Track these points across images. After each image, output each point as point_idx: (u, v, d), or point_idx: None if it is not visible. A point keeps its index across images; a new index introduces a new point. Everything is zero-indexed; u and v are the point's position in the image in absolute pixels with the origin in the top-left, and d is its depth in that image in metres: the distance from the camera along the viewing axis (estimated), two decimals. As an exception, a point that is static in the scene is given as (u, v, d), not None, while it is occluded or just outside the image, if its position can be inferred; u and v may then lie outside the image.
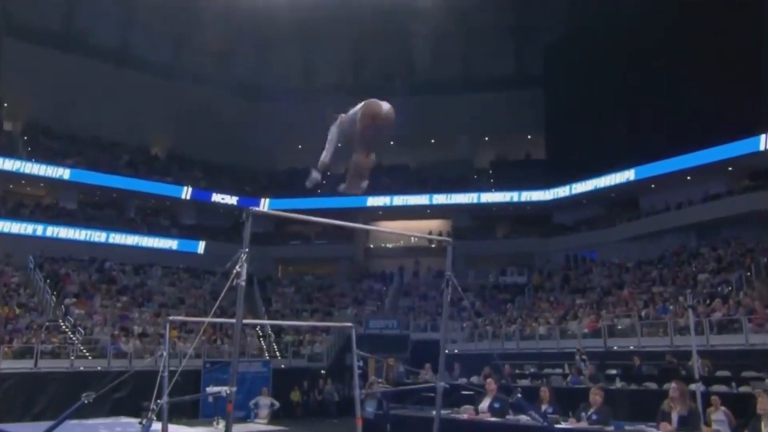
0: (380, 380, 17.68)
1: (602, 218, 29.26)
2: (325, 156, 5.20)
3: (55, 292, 23.25)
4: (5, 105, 29.50)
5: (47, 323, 21.01)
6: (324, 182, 5.46)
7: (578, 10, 30.99)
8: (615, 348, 18.42)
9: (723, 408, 9.09)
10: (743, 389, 11.69)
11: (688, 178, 25.03)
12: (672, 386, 8.28)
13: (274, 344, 24.63)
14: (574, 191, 29.10)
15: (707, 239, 24.21)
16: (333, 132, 5.29)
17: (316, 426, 18.20)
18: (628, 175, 26.72)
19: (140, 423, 7.41)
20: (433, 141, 35.36)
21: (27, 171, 26.68)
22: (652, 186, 26.66)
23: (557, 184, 29.64)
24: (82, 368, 19.21)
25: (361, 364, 13.50)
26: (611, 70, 26.99)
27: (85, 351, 20.13)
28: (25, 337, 19.69)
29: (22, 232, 25.65)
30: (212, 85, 33.59)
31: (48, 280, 23.74)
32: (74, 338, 20.58)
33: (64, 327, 21.32)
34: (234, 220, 30.95)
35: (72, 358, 19.48)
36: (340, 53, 33.83)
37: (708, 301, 17.85)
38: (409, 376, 18.03)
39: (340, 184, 5.25)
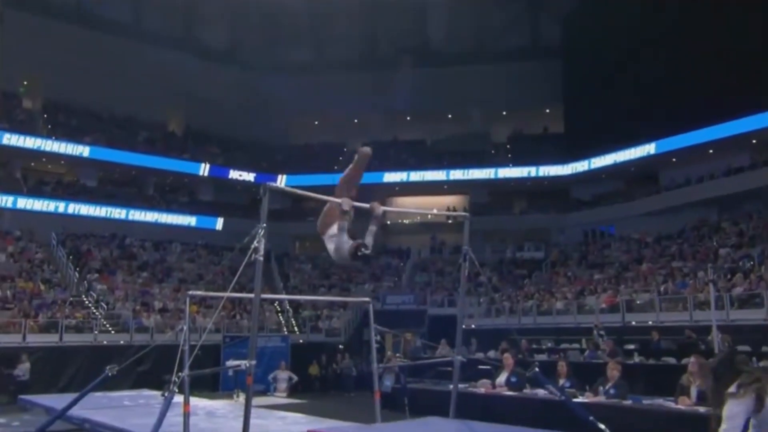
0: (398, 355, 17.86)
1: (621, 193, 28.96)
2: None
3: (77, 268, 23.61)
4: (24, 83, 29.74)
5: (71, 298, 21.40)
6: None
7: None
8: (633, 323, 18.25)
9: (743, 383, 9.01)
10: (764, 363, 11.58)
11: (710, 151, 24.63)
12: (691, 361, 8.27)
13: (292, 319, 24.87)
14: (593, 166, 28.80)
15: (729, 213, 23.86)
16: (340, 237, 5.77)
17: (334, 399, 18.37)
18: (649, 149, 26.36)
19: (162, 395, 7.55)
20: (449, 116, 35.09)
21: (48, 149, 26.92)
22: (673, 160, 26.28)
23: (576, 159, 29.34)
24: (105, 342, 19.56)
25: (378, 338, 13.60)
26: (631, 42, 26.52)
27: (108, 326, 20.46)
28: (50, 312, 20.05)
29: (44, 209, 26.01)
30: (225, 60, 33.54)
31: (71, 256, 24.12)
32: (97, 313, 20.90)
33: (87, 302, 21.69)
34: (251, 196, 31.11)
35: (95, 332, 19.83)
36: (352, 26, 33.41)
37: (729, 276, 17.65)
38: (426, 351, 18.06)
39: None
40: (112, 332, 20.32)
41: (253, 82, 33.61)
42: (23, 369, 16.91)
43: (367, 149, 5.91)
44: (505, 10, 33.00)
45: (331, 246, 5.78)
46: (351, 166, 5.99)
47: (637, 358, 13.49)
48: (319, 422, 9.70)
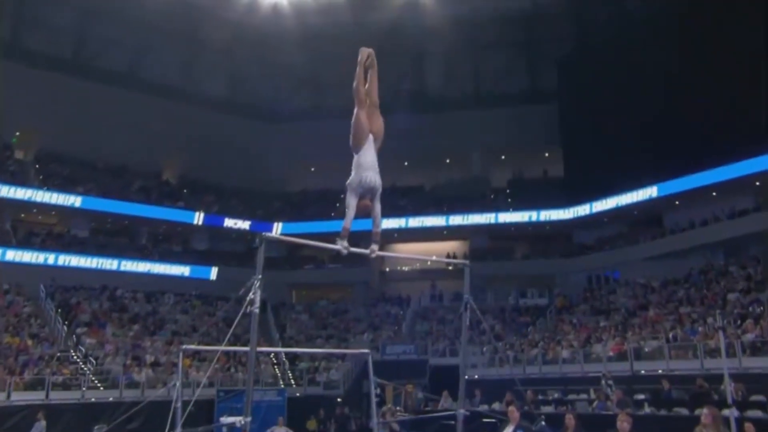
0: (398, 408, 17.14)
1: (625, 237, 28.62)
2: (346, 222, 5.80)
3: (66, 322, 23.04)
4: (17, 133, 29.59)
5: (58, 354, 20.81)
6: (347, 250, 5.97)
7: (589, 23, 30.71)
8: (642, 372, 17.77)
9: (758, 434, 8.52)
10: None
11: (714, 194, 24.40)
12: (704, 412, 7.77)
13: (288, 371, 24.17)
14: (594, 209, 28.49)
15: (735, 257, 23.54)
16: (349, 199, 5.80)
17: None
18: (651, 192, 26.11)
19: None
20: (447, 160, 35.02)
21: (39, 199, 26.61)
22: (677, 203, 26.05)
23: (577, 203, 29.06)
24: (93, 399, 19.01)
25: (378, 391, 13.00)
26: (627, 83, 26.53)
27: (96, 382, 19.90)
28: (36, 368, 19.39)
29: (34, 261, 25.48)
30: (222, 108, 33.60)
31: (59, 310, 23.54)
32: (86, 369, 20.30)
33: (75, 357, 21.11)
34: (247, 244, 30.72)
35: (84, 389, 19.26)
36: (350, 72, 33.40)
37: (739, 322, 17.27)
38: (428, 403, 17.62)
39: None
40: (101, 388, 19.82)
41: (249, 130, 33.59)
42: (40, 427, 16.29)
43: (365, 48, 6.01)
44: (501, 55, 33.29)
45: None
46: (356, 70, 6.02)
47: (647, 409, 13.20)
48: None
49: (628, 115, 26.33)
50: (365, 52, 6.03)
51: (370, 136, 5.89)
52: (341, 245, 5.87)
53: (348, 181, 5.84)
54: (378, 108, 6.03)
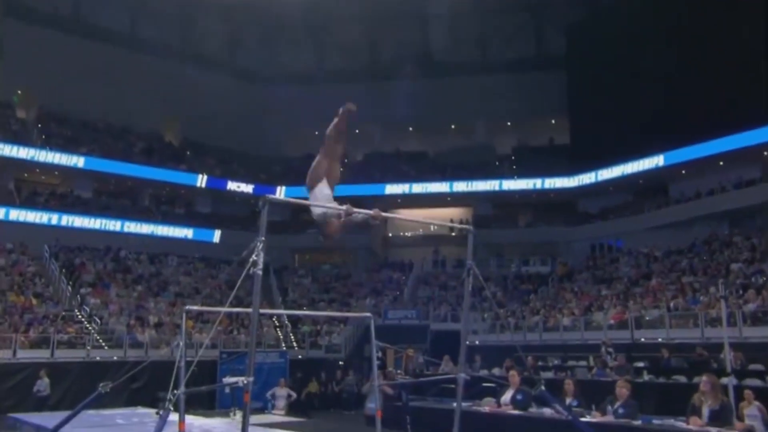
0: (398, 371, 17.29)
1: (629, 206, 28.51)
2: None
3: (70, 282, 23.08)
4: (18, 92, 29.37)
5: (63, 313, 20.92)
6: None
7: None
8: (642, 340, 17.86)
9: (756, 402, 8.64)
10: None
11: (721, 163, 24.23)
12: (703, 379, 7.99)
13: (291, 334, 24.32)
14: (600, 178, 28.34)
15: (740, 227, 23.44)
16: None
17: (334, 418, 17.88)
18: (657, 160, 25.91)
19: (157, 413, 7.17)
20: (452, 126, 34.73)
21: (41, 159, 26.50)
22: (683, 172, 25.88)
23: (582, 171, 28.88)
24: (98, 358, 19.12)
25: (380, 355, 13.07)
26: (637, 51, 26.19)
27: (101, 341, 20.01)
28: (41, 327, 19.53)
29: (37, 221, 25.49)
30: (222, 70, 33.25)
31: (63, 270, 23.58)
32: (90, 328, 20.42)
33: (80, 317, 21.20)
34: (250, 208, 30.68)
35: (88, 348, 19.36)
36: (353, 36, 33.03)
37: (741, 292, 17.26)
38: (428, 368, 17.71)
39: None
40: (106, 348, 19.93)
41: (251, 92, 33.33)
42: (43, 384, 16.64)
43: (350, 105, 5.70)
44: (508, 20, 32.78)
45: (315, 203, 5.73)
46: (334, 121, 5.80)
47: (646, 377, 13.25)
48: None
49: (636, 84, 26.01)
50: (350, 109, 5.75)
51: (324, 179, 5.86)
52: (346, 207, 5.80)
53: (315, 214, 5.79)
54: (339, 161, 6.00)
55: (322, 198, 5.75)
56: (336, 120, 5.81)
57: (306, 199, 6.10)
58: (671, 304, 18.46)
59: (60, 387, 17.47)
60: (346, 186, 28.10)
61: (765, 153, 23.05)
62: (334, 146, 5.86)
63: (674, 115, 24.08)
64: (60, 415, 9.17)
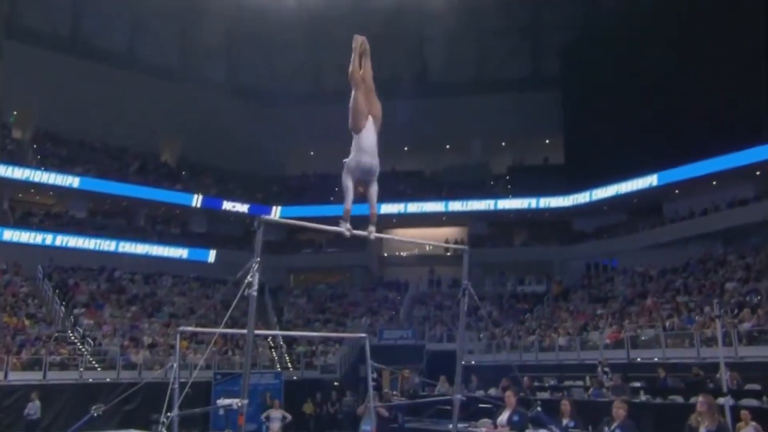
0: (394, 392, 17.19)
1: (624, 225, 28.57)
2: (346, 204, 5.86)
3: (64, 302, 22.95)
4: (14, 113, 29.39)
5: (56, 334, 20.77)
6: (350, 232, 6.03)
7: (594, 10, 30.44)
8: (638, 360, 17.81)
9: (753, 423, 8.59)
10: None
11: (714, 183, 24.33)
12: (699, 400, 7.93)
13: (285, 355, 24.20)
14: (594, 197, 28.41)
15: (734, 246, 23.44)
16: (346, 181, 5.82)
17: (329, 440, 17.70)
18: (651, 180, 26.03)
19: None
20: (447, 146, 34.85)
21: (36, 179, 26.44)
22: (676, 191, 25.98)
23: (577, 190, 28.97)
24: (91, 380, 19.01)
25: (375, 375, 13.00)
26: (631, 71, 26.35)
27: (94, 362, 19.88)
28: (33, 348, 19.37)
29: (31, 241, 25.40)
30: (220, 89, 33.36)
31: (57, 290, 23.47)
32: (83, 349, 20.27)
33: (73, 338, 21.06)
34: (245, 228, 30.62)
35: (81, 369, 19.26)
36: (350, 56, 33.17)
37: (736, 311, 17.22)
38: (424, 388, 17.63)
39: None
40: (99, 369, 19.82)
41: (248, 113, 33.36)
42: (34, 407, 16.46)
43: (357, 35, 6.13)
44: (504, 40, 33.00)
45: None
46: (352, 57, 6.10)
47: (643, 397, 13.25)
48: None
49: (630, 104, 26.18)
50: (359, 40, 6.14)
51: (370, 118, 5.90)
52: (344, 227, 5.89)
53: (346, 160, 5.85)
54: (374, 92, 6.09)
55: (363, 147, 5.80)
56: (353, 55, 6.09)
57: (300, 220, 6.12)
58: (667, 324, 18.42)
59: (51, 410, 17.35)
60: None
61: (758, 172, 23.14)
62: (361, 77, 6.03)
63: (667, 135, 24.23)
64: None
